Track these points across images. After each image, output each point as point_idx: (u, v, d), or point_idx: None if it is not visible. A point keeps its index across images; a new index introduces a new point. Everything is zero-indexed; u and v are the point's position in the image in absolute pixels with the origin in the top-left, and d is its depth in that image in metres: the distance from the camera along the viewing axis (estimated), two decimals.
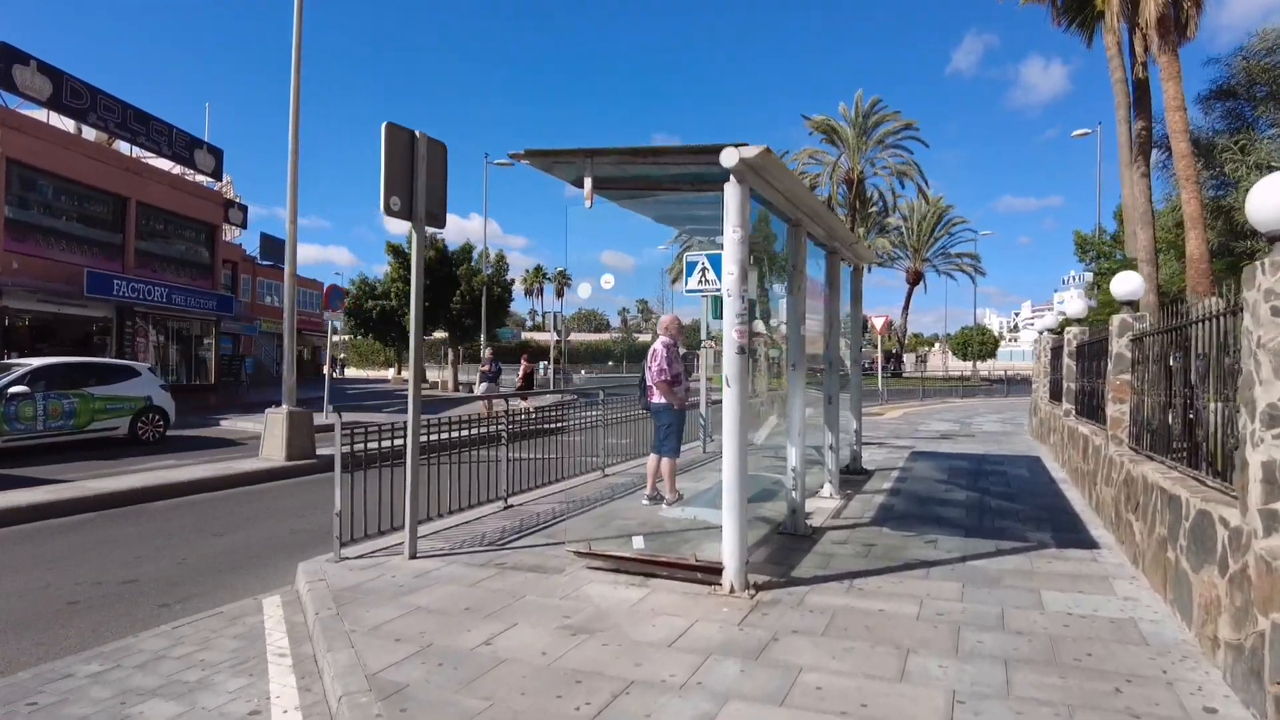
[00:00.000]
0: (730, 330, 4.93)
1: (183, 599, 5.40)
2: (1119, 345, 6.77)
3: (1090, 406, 8.79)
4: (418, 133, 5.88)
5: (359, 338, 60.10)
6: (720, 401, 5.08)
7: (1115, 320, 6.81)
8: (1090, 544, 6.22)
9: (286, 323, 12.01)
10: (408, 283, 37.82)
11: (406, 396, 6.03)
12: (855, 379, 10.08)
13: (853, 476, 9.62)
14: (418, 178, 5.86)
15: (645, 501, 7.82)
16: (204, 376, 28.64)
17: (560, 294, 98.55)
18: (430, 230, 7.86)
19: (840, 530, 6.74)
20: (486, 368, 19.29)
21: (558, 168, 5.60)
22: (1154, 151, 13.46)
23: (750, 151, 4.68)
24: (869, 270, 61.22)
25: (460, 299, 35.72)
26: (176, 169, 26.83)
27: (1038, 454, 11.93)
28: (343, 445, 5.88)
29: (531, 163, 5.59)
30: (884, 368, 60.42)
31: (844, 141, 48.33)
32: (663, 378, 7.55)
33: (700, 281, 12.60)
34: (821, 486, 8.32)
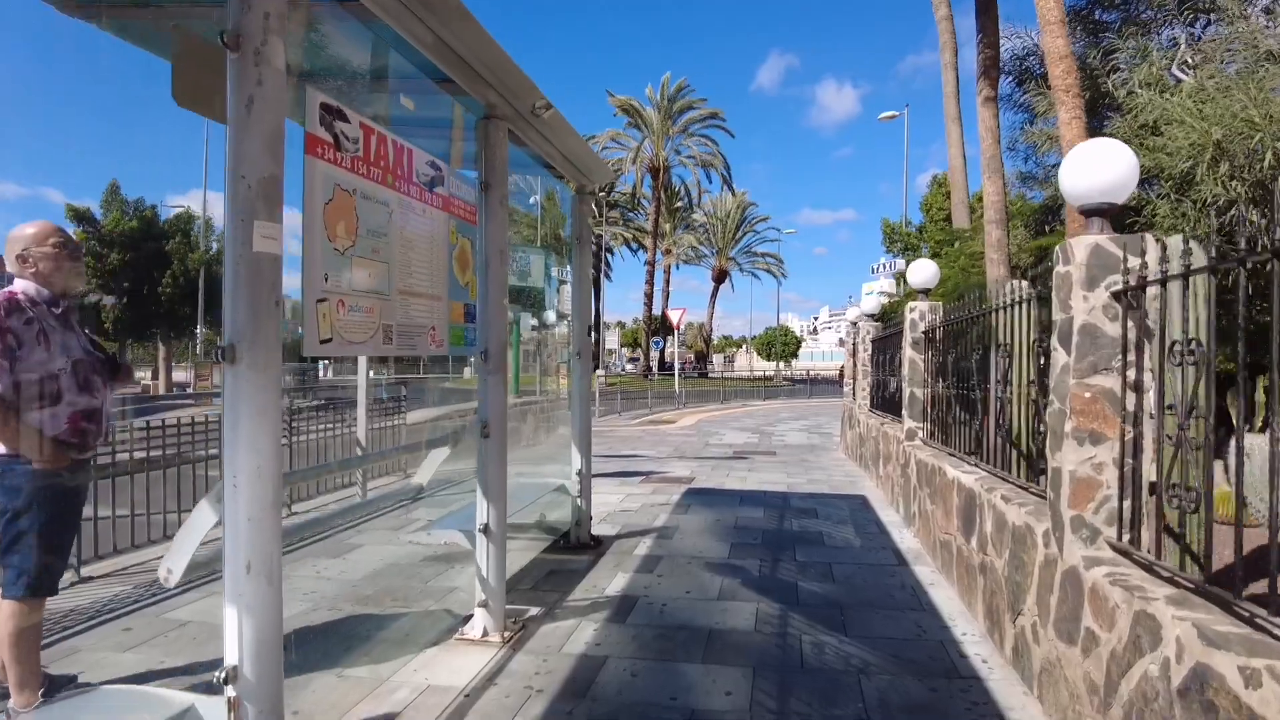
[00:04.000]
0: None
1: None
2: (1087, 309, 2.89)
3: (972, 433, 5.04)
4: None
5: None
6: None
7: (1078, 250, 2.93)
8: None
9: None
10: (102, 259, 29.76)
11: None
12: (581, 383, 5.80)
13: (569, 558, 5.35)
14: None
15: None
16: None
17: None
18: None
19: None
20: None
21: None
22: (1002, 81, 10.55)
23: None
24: (676, 267, 59.20)
25: (171, 281, 28.40)
26: None
27: (861, 489, 8.31)
28: None
29: None
30: (694, 367, 58.59)
31: (648, 125, 45.25)
32: None
33: None
34: (469, 619, 3.93)
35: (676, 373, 26.89)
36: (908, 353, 6.68)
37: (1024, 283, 5.21)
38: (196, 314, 27.85)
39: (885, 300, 14.31)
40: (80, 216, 28.00)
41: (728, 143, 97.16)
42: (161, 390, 30.34)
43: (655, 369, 48.33)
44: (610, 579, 4.85)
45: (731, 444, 13.39)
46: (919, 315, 6.63)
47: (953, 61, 13.49)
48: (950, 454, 5.52)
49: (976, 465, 4.79)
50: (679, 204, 52.85)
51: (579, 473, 5.70)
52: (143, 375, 35.39)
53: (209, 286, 27.98)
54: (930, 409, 6.38)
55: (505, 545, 3.96)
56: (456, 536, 4.05)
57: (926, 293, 6.84)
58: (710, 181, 58.20)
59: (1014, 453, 4.14)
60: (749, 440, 14.08)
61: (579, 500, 5.70)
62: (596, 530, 6.09)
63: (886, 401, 8.77)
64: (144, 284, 27.78)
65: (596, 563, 5.24)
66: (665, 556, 5.39)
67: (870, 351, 10.13)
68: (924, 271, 6.77)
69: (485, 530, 3.85)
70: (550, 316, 10.15)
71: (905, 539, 5.95)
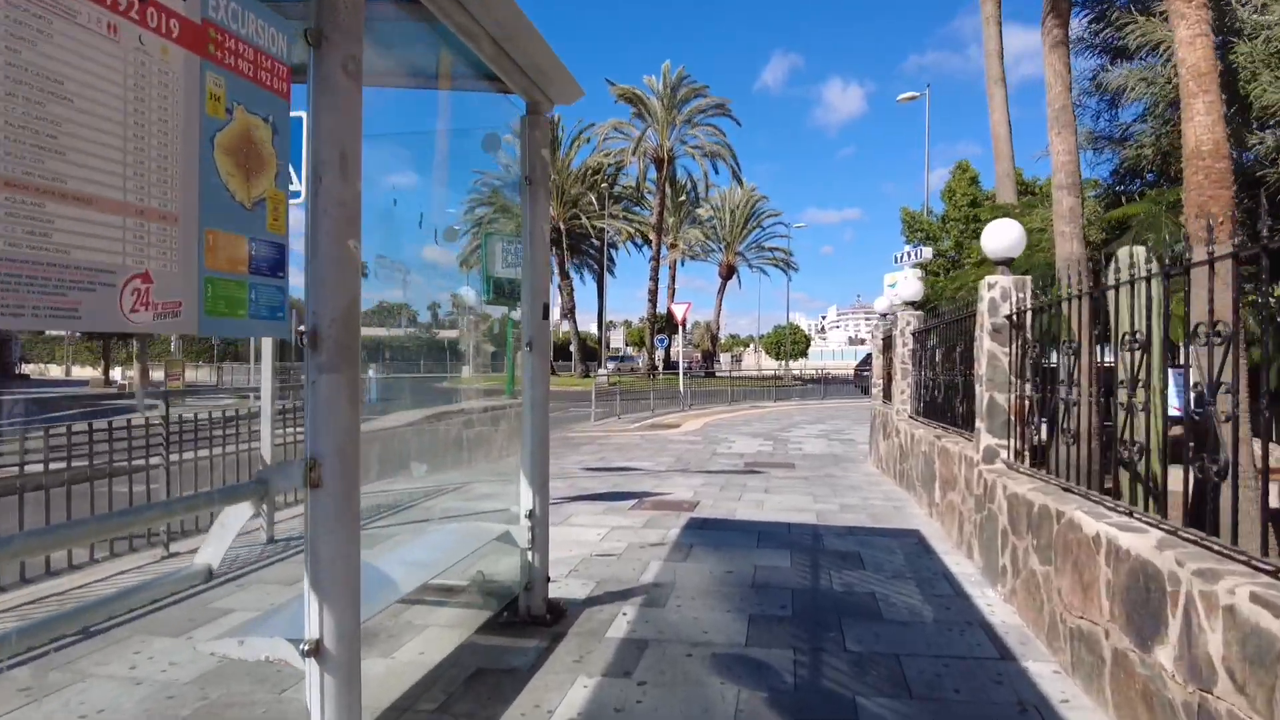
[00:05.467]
0: None
1: None
2: None
3: (1115, 464, 3.30)
4: None
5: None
6: None
7: None
8: None
9: None
10: None
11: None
12: (535, 390, 4.10)
13: (511, 643, 3.64)
14: None
15: None
16: None
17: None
18: None
19: None
20: None
21: None
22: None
23: None
24: (682, 263, 57.20)
25: None
26: None
27: (910, 520, 6.59)
28: None
29: None
30: (700, 366, 56.64)
31: (652, 114, 43.49)
32: None
33: None
34: None
35: (681, 372, 25.15)
36: (986, 344, 4.94)
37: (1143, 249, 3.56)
38: None
39: (920, 285, 12.55)
40: None
41: (734, 135, 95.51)
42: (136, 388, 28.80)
43: (660, 367, 46.60)
44: (564, 691, 3.14)
45: (742, 453, 11.67)
46: (1000, 294, 4.90)
47: (995, 14, 11.68)
48: (1066, 489, 3.80)
49: (1135, 517, 3.07)
50: (684, 198, 51.11)
51: (530, 514, 4.00)
52: (131, 374, 34.03)
53: None
54: (1020, 423, 4.66)
55: (358, 673, 2.26)
56: (284, 651, 2.36)
57: (1009, 264, 5.11)
58: (717, 173, 56.57)
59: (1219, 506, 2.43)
60: (762, 449, 12.35)
61: (530, 554, 3.99)
62: (559, 590, 4.40)
63: (937, 407, 7.05)
64: None
65: (550, 654, 3.53)
66: (653, 642, 3.67)
67: (912, 346, 8.40)
68: (1006, 235, 5.04)
69: (317, 650, 2.15)
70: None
71: (994, 605, 4.21)
